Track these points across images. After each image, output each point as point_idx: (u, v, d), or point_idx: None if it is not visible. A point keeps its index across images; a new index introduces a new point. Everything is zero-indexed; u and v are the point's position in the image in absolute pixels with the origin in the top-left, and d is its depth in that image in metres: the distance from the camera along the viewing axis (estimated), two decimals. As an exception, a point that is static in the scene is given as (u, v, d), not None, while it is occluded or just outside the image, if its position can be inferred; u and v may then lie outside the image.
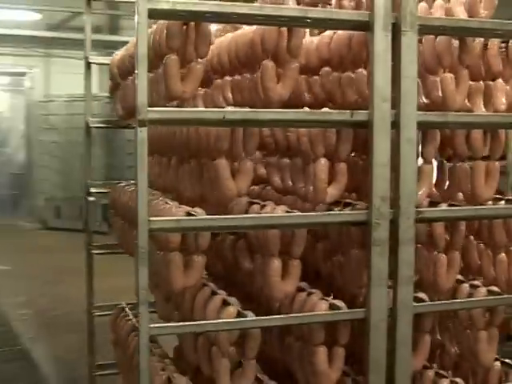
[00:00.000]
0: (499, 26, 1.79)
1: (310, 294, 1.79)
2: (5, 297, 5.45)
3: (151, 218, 1.52)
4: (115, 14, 8.36)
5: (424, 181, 1.82)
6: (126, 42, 2.37)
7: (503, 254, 1.97)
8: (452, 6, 1.83)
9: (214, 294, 1.77)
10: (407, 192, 1.71)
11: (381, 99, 1.67)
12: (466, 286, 1.93)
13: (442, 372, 1.91)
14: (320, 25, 1.73)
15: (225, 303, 1.71)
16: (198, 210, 1.67)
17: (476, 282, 1.97)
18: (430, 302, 1.80)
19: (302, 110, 1.69)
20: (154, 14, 1.51)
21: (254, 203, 1.80)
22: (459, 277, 2.00)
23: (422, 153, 1.83)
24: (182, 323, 1.70)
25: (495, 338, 1.91)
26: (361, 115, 1.67)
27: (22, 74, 9.96)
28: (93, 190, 3.04)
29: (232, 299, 1.73)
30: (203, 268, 1.72)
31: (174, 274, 1.66)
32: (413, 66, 1.69)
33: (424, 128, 1.77)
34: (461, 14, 1.79)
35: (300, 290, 1.80)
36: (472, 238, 2.04)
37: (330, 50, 1.83)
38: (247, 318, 1.65)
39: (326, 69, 1.84)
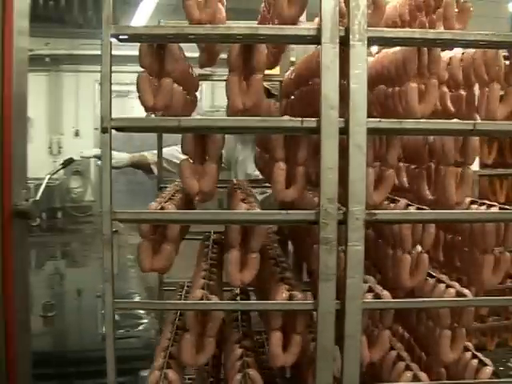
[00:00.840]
0: (458, 36, 1.83)
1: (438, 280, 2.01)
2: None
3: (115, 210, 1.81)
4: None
5: (383, 185, 1.92)
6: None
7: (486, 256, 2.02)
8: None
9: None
10: (355, 194, 1.82)
11: (328, 107, 1.79)
12: (434, 284, 2.00)
13: (410, 364, 2.00)
14: (272, 40, 1.89)
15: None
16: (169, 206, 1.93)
17: (453, 283, 2.03)
18: (378, 300, 1.90)
19: (255, 117, 1.86)
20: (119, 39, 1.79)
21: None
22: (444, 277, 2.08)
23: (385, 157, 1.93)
24: (146, 300, 1.97)
25: (460, 338, 1.96)
26: (310, 122, 1.81)
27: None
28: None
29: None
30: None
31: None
32: (362, 76, 1.79)
33: (378, 134, 1.87)
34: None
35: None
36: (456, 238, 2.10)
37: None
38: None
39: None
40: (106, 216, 1.80)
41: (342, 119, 1.80)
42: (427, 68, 1.88)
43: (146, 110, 1.88)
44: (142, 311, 6.28)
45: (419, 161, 2.14)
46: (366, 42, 1.79)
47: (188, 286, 2.56)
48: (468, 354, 2.07)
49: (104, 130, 1.76)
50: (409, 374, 1.99)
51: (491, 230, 1.99)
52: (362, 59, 1.79)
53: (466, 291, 1.97)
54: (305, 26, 1.88)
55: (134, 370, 4.34)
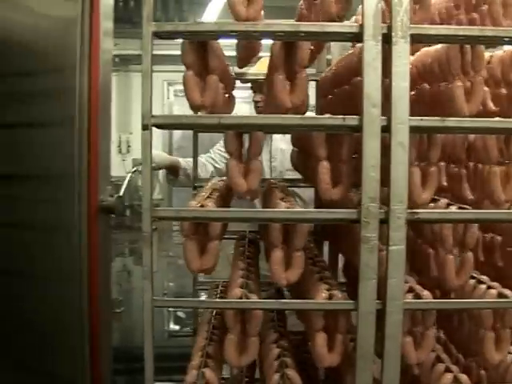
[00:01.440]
0: (502, 33, 1.80)
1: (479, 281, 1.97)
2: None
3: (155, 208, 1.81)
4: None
5: (429, 184, 1.89)
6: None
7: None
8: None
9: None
10: (397, 193, 1.80)
11: (370, 105, 1.77)
12: (475, 285, 1.97)
13: (450, 366, 1.97)
14: (313, 37, 1.87)
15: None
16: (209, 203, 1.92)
17: (495, 284, 1.99)
18: (419, 300, 1.87)
19: (296, 115, 1.84)
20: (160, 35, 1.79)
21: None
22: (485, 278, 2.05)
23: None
24: (185, 299, 1.96)
25: (505, 340, 1.92)
26: (352, 120, 1.79)
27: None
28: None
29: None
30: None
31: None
32: (404, 73, 1.77)
33: (420, 132, 1.84)
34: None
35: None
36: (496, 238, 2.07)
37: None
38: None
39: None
40: (145, 213, 1.80)
41: (384, 117, 1.78)
42: (471, 66, 1.85)
43: (194, 108, 1.88)
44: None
45: (458, 160, 2.11)
46: (408, 39, 1.77)
47: (223, 286, 2.55)
48: (510, 357, 2.03)
49: (144, 127, 1.76)
50: (449, 376, 1.96)
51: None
52: (405, 56, 1.77)
53: (507, 292, 1.93)
54: (347, 24, 1.85)
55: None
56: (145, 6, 1.76)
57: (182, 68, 1.83)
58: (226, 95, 2.22)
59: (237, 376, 2.53)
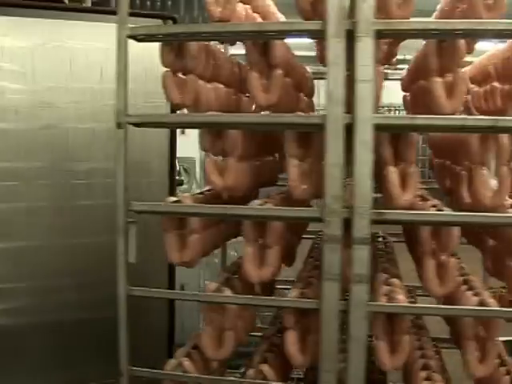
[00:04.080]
0: (466, 25, 1.70)
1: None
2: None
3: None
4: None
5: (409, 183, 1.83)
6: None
7: None
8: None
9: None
10: (362, 193, 1.77)
11: (334, 103, 1.75)
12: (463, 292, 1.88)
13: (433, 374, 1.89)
14: (280, 35, 1.87)
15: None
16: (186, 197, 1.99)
17: (482, 292, 1.88)
18: (383, 303, 1.82)
19: (259, 113, 1.86)
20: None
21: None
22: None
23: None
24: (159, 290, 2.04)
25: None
26: (315, 118, 1.78)
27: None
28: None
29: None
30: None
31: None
32: (368, 70, 1.73)
33: (384, 131, 1.79)
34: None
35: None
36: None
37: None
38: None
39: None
40: (120, 208, 1.90)
41: (348, 115, 1.76)
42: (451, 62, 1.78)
43: (174, 106, 1.95)
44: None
45: (457, 161, 2.02)
46: (373, 36, 1.73)
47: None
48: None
49: (118, 126, 1.86)
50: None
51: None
52: (369, 53, 1.73)
53: (491, 301, 1.83)
54: (310, 21, 1.84)
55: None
56: (119, 11, 1.86)
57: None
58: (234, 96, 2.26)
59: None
